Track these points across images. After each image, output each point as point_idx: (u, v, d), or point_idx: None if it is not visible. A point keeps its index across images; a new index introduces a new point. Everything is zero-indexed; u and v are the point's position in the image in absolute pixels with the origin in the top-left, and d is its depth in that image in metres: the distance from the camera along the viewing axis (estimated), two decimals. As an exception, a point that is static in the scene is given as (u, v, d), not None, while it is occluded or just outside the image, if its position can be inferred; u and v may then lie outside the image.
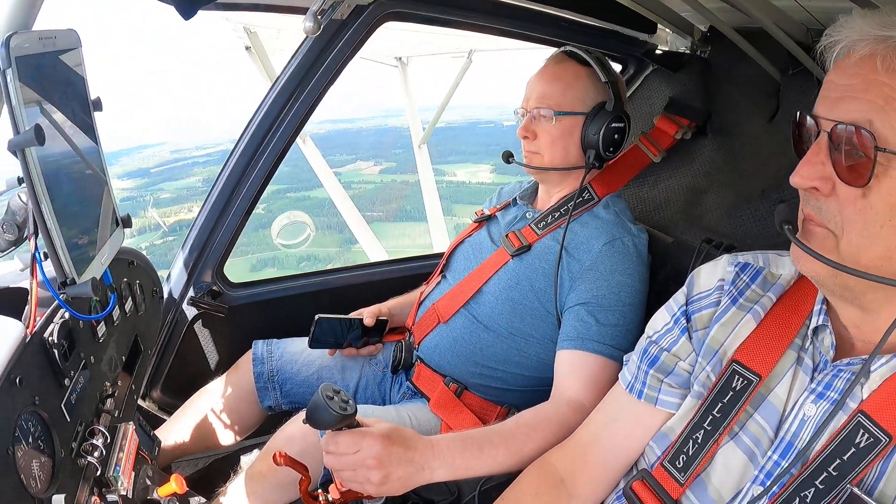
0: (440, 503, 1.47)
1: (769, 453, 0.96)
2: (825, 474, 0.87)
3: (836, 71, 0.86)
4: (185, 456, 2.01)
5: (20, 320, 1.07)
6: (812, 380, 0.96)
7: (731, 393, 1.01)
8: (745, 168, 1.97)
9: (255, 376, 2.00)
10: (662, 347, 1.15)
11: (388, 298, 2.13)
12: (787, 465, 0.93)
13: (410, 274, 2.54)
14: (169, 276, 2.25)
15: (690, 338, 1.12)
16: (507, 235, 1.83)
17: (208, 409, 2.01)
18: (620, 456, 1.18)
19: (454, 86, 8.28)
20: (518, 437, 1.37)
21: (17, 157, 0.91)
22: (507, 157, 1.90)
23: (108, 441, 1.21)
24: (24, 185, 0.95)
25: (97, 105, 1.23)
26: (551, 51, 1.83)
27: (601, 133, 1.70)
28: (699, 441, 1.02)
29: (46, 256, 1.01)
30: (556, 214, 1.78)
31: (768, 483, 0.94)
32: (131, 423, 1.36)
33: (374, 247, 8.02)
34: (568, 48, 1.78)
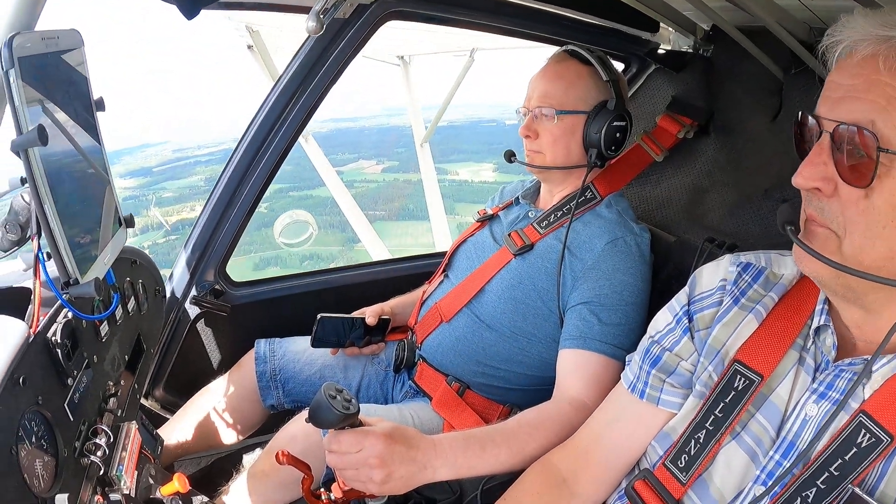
0: (442, 502, 1.47)
1: (771, 453, 0.96)
2: (826, 474, 0.87)
3: (838, 71, 0.85)
4: (187, 455, 2.01)
5: (23, 320, 1.07)
6: (814, 380, 0.96)
7: (733, 393, 1.01)
8: (747, 167, 1.97)
9: (258, 375, 2.00)
10: (664, 347, 1.15)
11: (390, 297, 2.13)
12: (788, 465, 0.93)
13: (413, 273, 2.54)
14: (171, 275, 2.26)
15: (692, 338, 1.12)
16: (509, 234, 1.82)
17: (211, 408, 2.01)
18: (622, 456, 1.18)
19: (456, 84, 8.27)
20: (520, 436, 1.37)
21: (20, 157, 0.91)
22: (510, 156, 1.90)
23: (111, 440, 1.22)
24: (27, 185, 0.95)
25: (100, 105, 1.23)
26: (553, 50, 1.83)
27: (603, 132, 1.70)
28: (701, 441, 1.02)
29: (49, 256, 1.01)
30: (559, 213, 1.78)
31: (770, 483, 0.94)
32: (134, 422, 1.36)
33: (377, 246, 8.02)
34: (569, 47, 1.78)
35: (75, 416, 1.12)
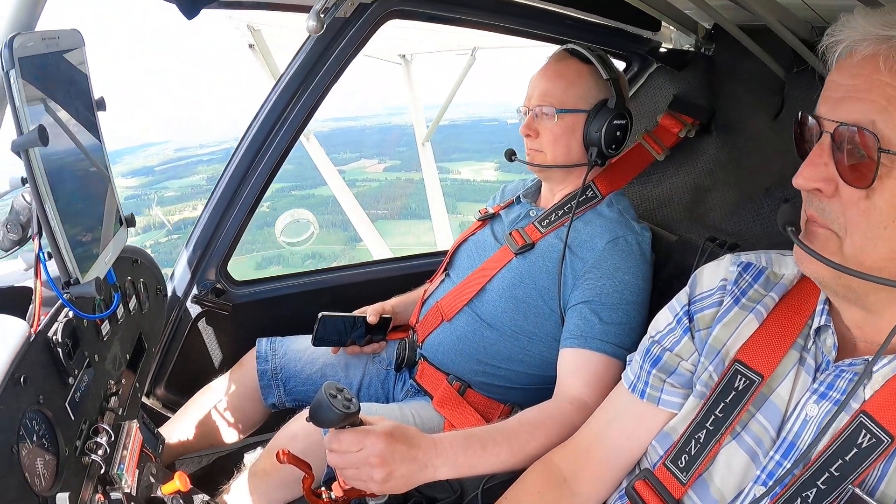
0: (443, 501, 1.47)
1: (771, 453, 0.96)
2: (827, 475, 0.87)
3: (838, 71, 0.85)
4: (188, 453, 2.02)
5: (24, 319, 1.07)
6: (814, 380, 0.96)
7: (734, 393, 1.01)
8: (749, 166, 1.97)
9: (259, 374, 2.00)
10: (665, 347, 1.15)
11: (391, 296, 2.14)
12: (789, 465, 0.93)
13: (414, 272, 2.54)
14: (173, 274, 2.26)
15: (693, 338, 1.12)
16: (510, 233, 1.82)
17: (212, 407, 2.01)
18: (623, 455, 1.18)
19: (458, 83, 8.25)
20: (521, 435, 1.37)
21: (20, 157, 0.91)
22: (510, 155, 1.90)
23: (112, 439, 1.22)
24: (27, 184, 0.95)
25: (101, 104, 1.24)
26: (555, 48, 1.83)
27: (603, 130, 1.70)
28: (701, 441, 1.02)
29: (50, 256, 1.02)
30: (560, 212, 1.78)
31: (770, 483, 0.94)
32: (135, 420, 1.36)
33: (379, 245, 8.00)
34: (570, 46, 1.78)
35: (76, 415, 1.12)
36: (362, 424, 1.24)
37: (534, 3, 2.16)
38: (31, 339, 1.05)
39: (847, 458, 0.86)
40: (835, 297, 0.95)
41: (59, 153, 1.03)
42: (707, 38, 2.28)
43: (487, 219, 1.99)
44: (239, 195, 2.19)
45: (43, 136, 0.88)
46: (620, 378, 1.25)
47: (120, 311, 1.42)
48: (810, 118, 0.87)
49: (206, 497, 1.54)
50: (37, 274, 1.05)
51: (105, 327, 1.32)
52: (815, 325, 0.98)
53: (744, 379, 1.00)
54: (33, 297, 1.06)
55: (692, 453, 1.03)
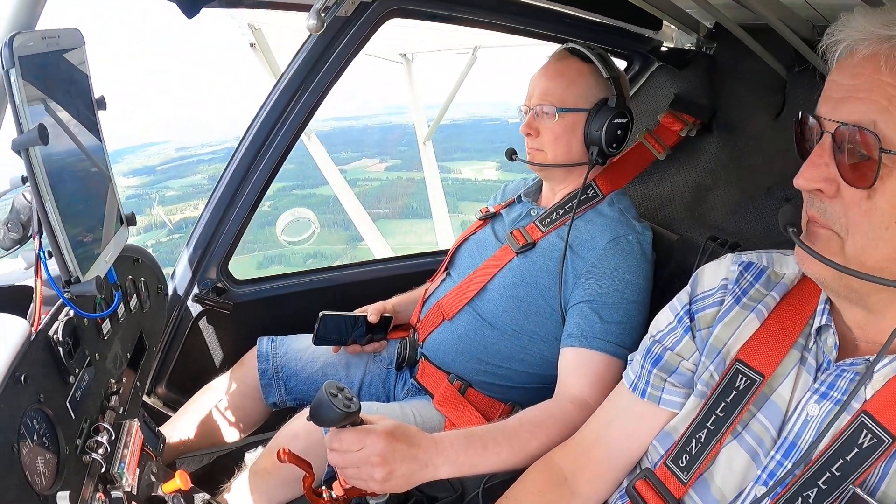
0: (444, 500, 1.47)
1: (772, 453, 0.96)
2: (828, 475, 0.87)
3: (838, 70, 0.85)
4: (189, 452, 2.02)
5: (25, 318, 1.07)
6: (815, 380, 0.96)
7: (735, 392, 1.01)
8: (750, 165, 1.97)
9: (260, 373, 2.00)
10: (666, 347, 1.15)
11: (392, 295, 2.14)
12: (790, 465, 0.93)
13: (415, 271, 2.54)
14: (174, 272, 2.26)
15: (694, 337, 1.12)
16: (511, 233, 1.82)
17: (213, 406, 2.01)
18: (623, 455, 1.17)
19: (459, 82, 8.25)
20: (522, 434, 1.37)
21: (20, 156, 0.91)
22: (511, 154, 1.90)
23: (113, 438, 1.22)
24: (28, 183, 0.95)
25: (101, 103, 1.24)
26: (556, 47, 1.83)
27: (604, 129, 1.70)
28: (702, 440, 1.02)
29: (51, 255, 1.02)
30: (561, 211, 1.78)
31: (771, 483, 0.93)
32: (136, 419, 1.36)
33: (380, 244, 8.01)
34: (570, 45, 1.78)
35: (77, 413, 1.12)
36: (363, 423, 1.24)
37: (535, 2, 2.16)
38: (32, 337, 1.05)
39: (848, 458, 0.86)
40: (836, 297, 0.95)
41: (59, 153, 1.03)
42: (708, 37, 2.28)
43: (488, 218, 1.98)
44: (240, 194, 2.19)
45: (43, 134, 0.89)
46: (621, 377, 1.25)
47: (121, 310, 1.42)
48: (811, 118, 0.87)
49: (207, 496, 1.55)
50: (37, 273, 1.05)
51: (106, 326, 1.32)
52: (816, 325, 0.98)
53: (745, 378, 1.00)
54: (34, 295, 1.06)
55: (693, 453, 1.03)
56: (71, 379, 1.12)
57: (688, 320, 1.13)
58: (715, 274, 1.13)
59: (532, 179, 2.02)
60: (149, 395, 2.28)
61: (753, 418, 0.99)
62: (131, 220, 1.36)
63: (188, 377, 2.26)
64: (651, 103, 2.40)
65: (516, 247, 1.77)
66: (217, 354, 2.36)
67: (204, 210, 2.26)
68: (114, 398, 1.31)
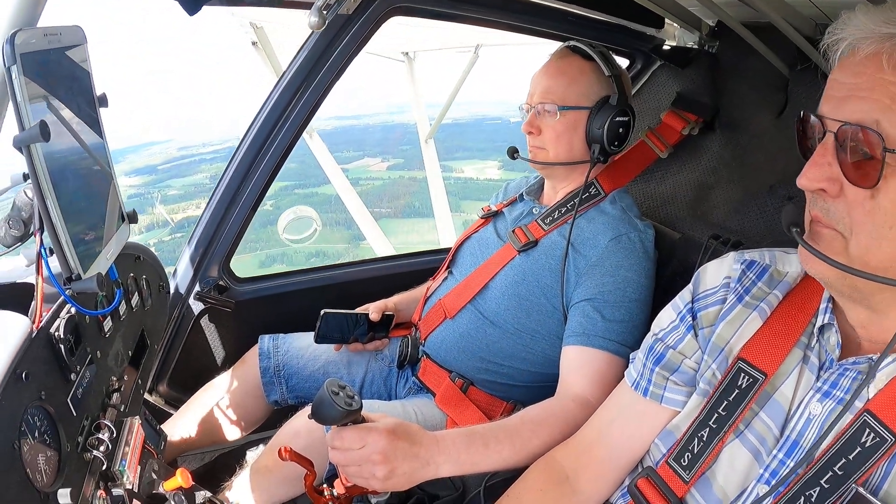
0: (445, 498, 1.47)
1: (774, 452, 0.95)
2: (830, 474, 0.87)
3: (840, 69, 0.84)
4: (190, 450, 2.02)
5: (26, 315, 1.07)
6: (818, 378, 0.95)
7: (737, 391, 1.00)
8: (752, 163, 1.96)
9: (262, 371, 2.00)
10: (668, 345, 1.15)
11: (394, 294, 2.13)
12: (792, 464, 0.93)
13: (417, 269, 2.54)
14: (175, 271, 2.26)
15: (696, 335, 1.12)
16: (513, 231, 1.82)
17: (214, 404, 2.01)
18: (625, 453, 1.17)
19: (461, 81, 8.25)
20: (523, 433, 1.37)
21: (22, 153, 0.91)
22: (512, 152, 1.90)
23: (114, 435, 1.22)
24: (29, 181, 0.95)
25: (103, 101, 1.24)
26: (558, 45, 1.83)
27: (605, 127, 1.70)
28: (704, 439, 1.02)
29: (52, 252, 1.01)
30: (563, 210, 1.78)
31: (773, 482, 0.93)
32: (137, 417, 1.36)
33: (382, 243, 8.01)
34: (572, 43, 1.77)
35: (78, 411, 1.12)
36: (364, 422, 1.24)
37: (537, 0, 2.16)
38: (33, 335, 1.05)
39: (850, 457, 0.86)
40: (840, 296, 0.94)
41: (61, 150, 1.03)
42: (711, 36, 2.27)
43: (490, 216, 1.98)
44: (241, 193, 2.20)
45: (44, 131, 0.88)
46: (623, 376, 1.25)
47: (122, 308, 1.42)
48: (813, 117, 0.86)
49: (209, 494, 1.54)
50: (39, 270, 1.05)
51: (107, 324, 1.32)
52: (818, 324, 0.98)
53: (747, 377, 1.00)
54: (35, 293, 1.06)
55: (695, 451, 1.03)
56: (72, 376, 1.12)
57: (690, 318, 1.13)
58: (717, 272, 1.13)
59: (534, 178, 2.02)
60: (150, 392, 2.28)
61: (756, 417, 0.99)
62: (133, 218, 1.36)
63: (189, 375, 2.26)
64: (653, 101, 2.40)
65: (518, 245, 1.77)
66: (218, 352, 2.37)
67: (206, 208, 2.26)
68: (115, 396, 1.31)
